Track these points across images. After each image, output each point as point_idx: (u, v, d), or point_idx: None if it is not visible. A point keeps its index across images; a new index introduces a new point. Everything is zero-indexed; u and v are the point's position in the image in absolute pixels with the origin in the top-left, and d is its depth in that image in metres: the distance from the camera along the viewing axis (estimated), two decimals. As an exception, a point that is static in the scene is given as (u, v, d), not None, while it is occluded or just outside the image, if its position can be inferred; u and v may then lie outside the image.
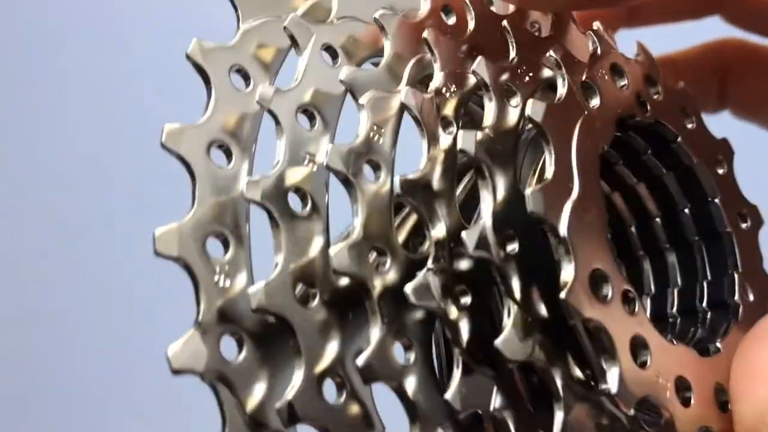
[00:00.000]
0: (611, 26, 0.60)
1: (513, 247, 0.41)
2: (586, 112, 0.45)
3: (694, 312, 0.51)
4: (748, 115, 0.62)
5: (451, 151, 0.43)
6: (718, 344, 0.47)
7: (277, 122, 0.42)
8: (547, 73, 0.46)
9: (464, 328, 0.41)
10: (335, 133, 0.44)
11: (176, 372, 0.37)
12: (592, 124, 0.45)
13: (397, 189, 0.41)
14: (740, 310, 0.49)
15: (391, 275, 0.41)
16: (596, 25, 0.52)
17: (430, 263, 0.41)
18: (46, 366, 1.15)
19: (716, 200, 0.51)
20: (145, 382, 0.57)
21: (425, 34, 0.46)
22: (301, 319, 0.39)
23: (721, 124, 0.54)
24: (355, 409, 0.40)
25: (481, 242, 0.40)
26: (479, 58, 0.44)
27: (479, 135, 0.42)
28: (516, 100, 0.45)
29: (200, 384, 0.39)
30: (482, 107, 0.45)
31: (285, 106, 0.43)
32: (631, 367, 0.41)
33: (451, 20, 0.49)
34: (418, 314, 0.41)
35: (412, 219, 0.46)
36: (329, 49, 0.46)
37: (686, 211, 0.53)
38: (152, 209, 0.40)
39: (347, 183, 0.41)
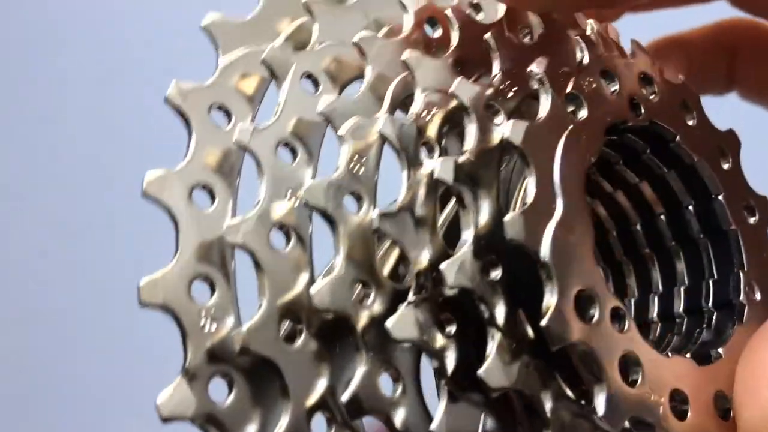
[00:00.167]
0: (615, 14, 0.58)
1: (496, 273, 0.41)
2: (570, 127, 0.44)
3: (701, 312, 0.50)
4: (755, 98, 0.60)
5: (433, 177, 0.43)
6: (720, 350, 0.46)
7: (258, 163, 0.43)
8: (533, 85, 0.46)
9: (450, 357, 0.41)
10: (317, 162, 0.45)
11: (165, 420, 0.38)
12: (577, 138, 0.44)
13: (375, 224, 0.41)
14: (745, 310, 0.48)
15: (377, 307, 0.42)
16: (590, 27, 0.51)
17: (410, 296, 0.41)
18: (46, 366, 1.16)
19: (719, 197, 0.50)
20: (145, 382, 0.59)
21: (405, 55, 0.45)
22: (287, 358, 0.40)
23: (724, 119, 0.53)
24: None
25: (461, 273, 0.40)
26: (458, 79, 0.44)
27: (460, 159, 0.42)
28: (500, 118, 0.44)
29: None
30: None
31: (264, 144, 0.43)
32: (621, 387, 0.41)
33: (437, 33, 0.49)
34: (405, 343, 0.41)
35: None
36: (310, 77, 0.46)
37: (690, 208, 0.52)
38: (152, 209, 0.41)
39: (328, 218, 0.42)
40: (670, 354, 0.46)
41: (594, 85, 0.46)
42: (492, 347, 0.41)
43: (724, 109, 0.55)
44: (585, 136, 0.44)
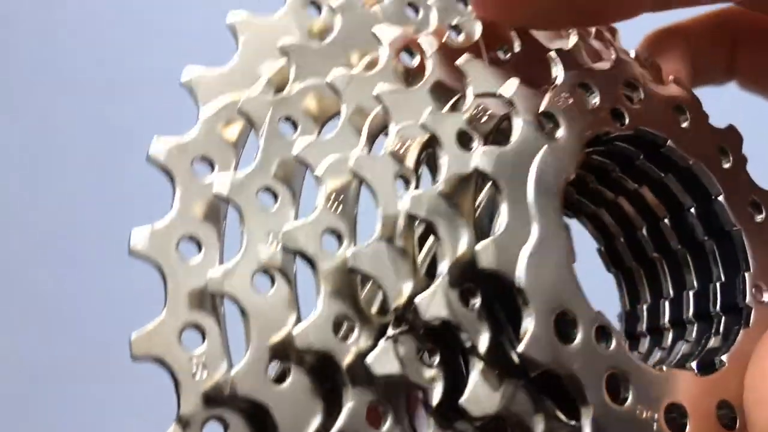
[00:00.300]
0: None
1: (475, 301, 0.42)
2: (544, 148, 0.44)
3: (710, 317, 0.49)
4: (755, 87, 0.58)
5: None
6: (724, 358, 0.45)
7: (239, 211, 0.44)
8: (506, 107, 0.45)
9: (437, 388, 0.42)
10: (299, 201, 0.46)
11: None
12: (553, 157, 0.44)
13: (350, 264, 0.42)
14: (752, 313, 0.47)
15: (363, 342, 0.42)
16: (572, 39, 0.50)
17: (390, 331, 0.42)
18: (46, 366, 1.17)
19: (720, 198, 0.49)
20: (145, 382, 0.61)
21: (377, 90, 0.46)
22: (276, 400, 0.42)
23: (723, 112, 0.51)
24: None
25: (435, 304, 0.41)
26: (426, 110, 0.44)
27: (432, 191, 0.43)
28: (474, 144, 0.44)
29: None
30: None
31: (245, 192, 0.44)
32: (607, 407, 0.41)
33: (415, 61, 0.49)
34: (387, 378, 0.42)
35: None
36: (289, 119, 0.47)
37: (692, 210, 0.50)
38: (152, 209, 0.43)
39: (308, 259, 0.43)
40: (672, 365, 0.46)
41: (570, 100, 0.46)
42: (474, 376, 0.41)
43: (723, 101, 0.54)
44: (560, 155, 0.44)
